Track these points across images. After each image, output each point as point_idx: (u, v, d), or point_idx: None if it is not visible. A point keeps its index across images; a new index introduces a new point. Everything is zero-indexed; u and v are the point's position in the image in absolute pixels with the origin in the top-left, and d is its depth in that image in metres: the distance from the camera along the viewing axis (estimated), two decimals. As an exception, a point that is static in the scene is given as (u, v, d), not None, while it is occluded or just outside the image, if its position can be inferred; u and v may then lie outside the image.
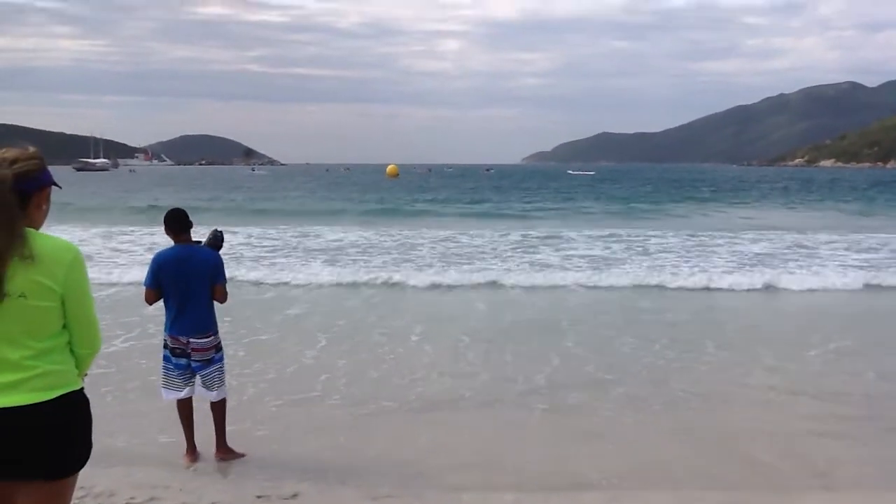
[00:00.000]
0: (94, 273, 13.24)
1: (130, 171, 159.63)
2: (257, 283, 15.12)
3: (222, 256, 6.12)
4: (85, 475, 5.09)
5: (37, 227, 2.81)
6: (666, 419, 7.18)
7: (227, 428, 6.07)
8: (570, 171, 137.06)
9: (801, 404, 7.68)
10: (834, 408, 7.50)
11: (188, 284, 5.83)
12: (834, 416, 7.22)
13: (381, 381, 8.37)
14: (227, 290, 6.06)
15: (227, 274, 6.17)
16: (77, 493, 4.84)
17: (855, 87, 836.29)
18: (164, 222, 5.94)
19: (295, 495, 5.15)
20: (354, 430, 6.75)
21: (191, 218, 6.03)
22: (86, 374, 2.97)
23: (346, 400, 7.65)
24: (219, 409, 6.05)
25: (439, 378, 8.49)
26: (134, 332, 10.25)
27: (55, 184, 2.91)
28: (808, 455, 6.19)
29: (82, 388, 2.88)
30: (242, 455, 6.02)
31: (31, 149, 2.83)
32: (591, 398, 7.83)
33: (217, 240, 6.12)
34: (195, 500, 4.97)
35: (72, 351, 2.85)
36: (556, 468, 5.92)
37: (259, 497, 5.10)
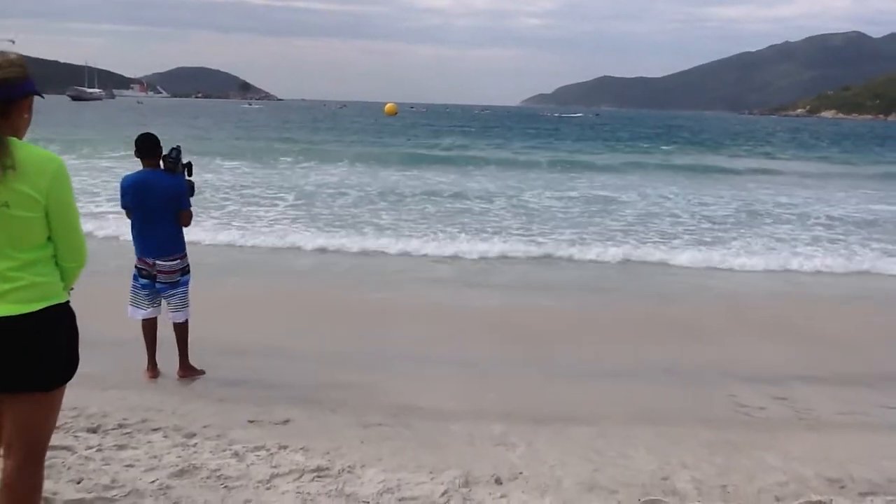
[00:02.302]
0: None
1: (138, 102, 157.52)
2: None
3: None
4: (79, 397, 5.20)
5: (20, 136, 2.74)
6: (654, 359, 7.28)
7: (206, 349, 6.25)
8: (557, 114, 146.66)
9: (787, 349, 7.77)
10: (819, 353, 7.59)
11: (152, 208, 6.01)
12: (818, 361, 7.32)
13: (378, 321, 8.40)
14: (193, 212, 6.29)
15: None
16: (70, 414, 4.93)
17: (861, 37, 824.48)
18: (135, 145, 6.09)
19: (286, 421, 5.21)
20: (345, 366, 6.81)
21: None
22: (72, 289, 2.95)
23: (337, 339, 7.70)
24: (181, 329, 6.22)
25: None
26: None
27: (38, 93, 2.83)
28: (793, 397, 6.30)
29: (68, 302, 2.86)
30: (202, 372, 6.28)
31: (13, 55, 2.75)
32: (581, 340, 7.92)
33: (175, 162, 6.10)
34: (187, 424, 5.02)
35: (58, 264, 2.81)
36: (544, 403, 6.03)
37: (251, 422, 5.15)
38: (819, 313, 9.50)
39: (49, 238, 2.77)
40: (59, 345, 2.78)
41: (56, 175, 2.71)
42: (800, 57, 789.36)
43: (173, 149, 6.13)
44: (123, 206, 6.16)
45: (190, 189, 6.24)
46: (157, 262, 6.09)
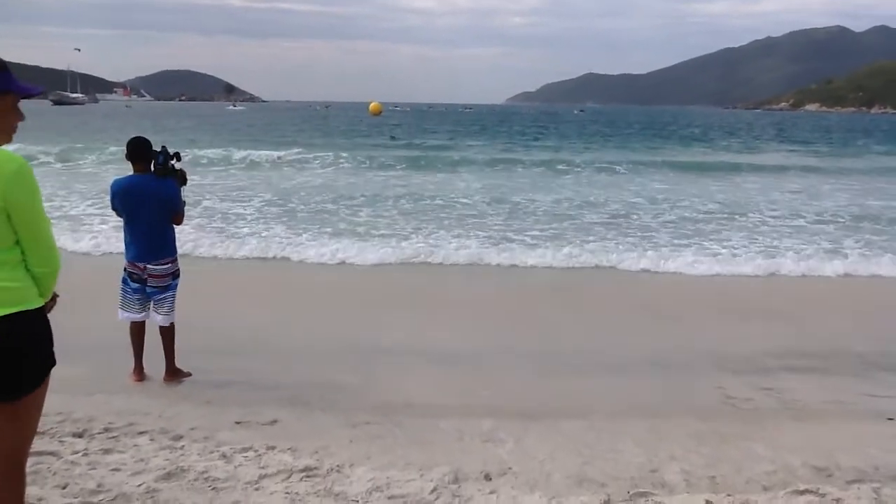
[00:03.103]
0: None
1: (126, 106, 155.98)
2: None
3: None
4: (64, 401, 5.17)
5: (4, 138, 2.65)
6: (642, 352, 7.31)
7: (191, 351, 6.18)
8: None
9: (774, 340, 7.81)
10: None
11: (143, 213, 5.99)
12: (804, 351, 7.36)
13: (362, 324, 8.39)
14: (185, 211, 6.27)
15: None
16: (55, 418, 4.90)
17: (843, 31, 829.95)
18: (126, 149, 6.04)
19: (274, 421, 5.19)
20: (333, 365, 6.79)
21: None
22: (56, 295, 2.87)
23: (324, 338, 7.69)
24: (168, 333, 6.19)
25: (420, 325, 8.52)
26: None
27: (16, 91, 2.71)
28: (779, 387, 6.34)
29: (41, 308, 2.75)
30: (189, 374, 6.25)
31: None
32: (572, 335, 7.93)
33: (164, 166, 6.04)
34: (174, 426, 4.99)
35: (28, 269, 2.70)
36: (533, 398, 6.03)
37: (238, 423, 5.13)
38: (804, 305, 9.56)
39: (16, 242, 2.67)
40: (25, 352, 2.66)
41: (15, 176, 2.59)
42: (783, 51, 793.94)
43: (160, 153, 6.07)
44: (113, 208, 6.17)
45: (182, 179, 6.19)
46: (149, 265, 6.06)
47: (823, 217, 16.83)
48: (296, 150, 29.97)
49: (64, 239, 12.16)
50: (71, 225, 13.74)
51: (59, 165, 25.85)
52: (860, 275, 11.29)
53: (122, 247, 6.26)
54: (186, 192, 6.33)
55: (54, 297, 2.91)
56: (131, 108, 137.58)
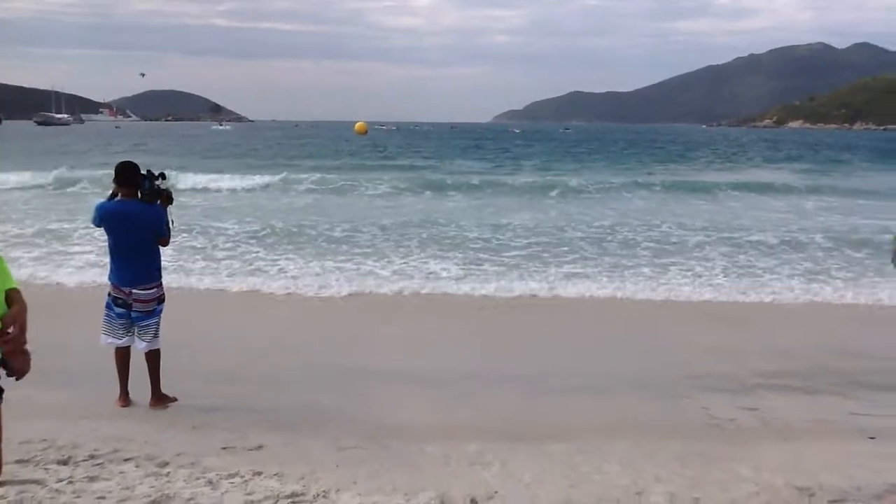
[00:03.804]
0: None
1: (116, 126, 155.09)
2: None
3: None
4: (49, 428, 5.17)
5: None
6: (627, 374, 7.35)
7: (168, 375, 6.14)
8: (516, 130, 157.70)
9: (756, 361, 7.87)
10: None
11: (129, 239, 6.00)
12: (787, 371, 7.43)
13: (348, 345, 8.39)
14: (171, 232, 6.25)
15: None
16: (39, 446, 4.89)
17: (826, 48, 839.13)
18: (115, 173, 6.03)
19: (260, 447, 5.18)
20: (320, 389, 6.79)
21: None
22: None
23: (311, 363, 7.69)
24: (153, 359, 6.17)
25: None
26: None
27: None
28: (763, 407, 6.39)
29: None
30: (175, 400, 6.21)
31: None
32: (553, 358, 7.96)
33: (151, 191, 6.04)
34: (160, 452, 4.97)
35: None
36: (519, 420, 6.05)
37: (224, 448, 5.12)
38: (785, 325, 9.62)
39: None
40: None
41: None
42: (766, 68, 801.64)
43: (145, 177, 6.06)
44: (97, 226, 6.16)
45: (168, 199, 6.15)
46: (134, 290, 6.04)
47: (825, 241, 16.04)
48: (282, 175, 29.45)
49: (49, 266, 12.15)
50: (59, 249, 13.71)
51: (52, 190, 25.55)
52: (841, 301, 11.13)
53: (106, 272, 6.26)
54: (172, 211, 6.29)
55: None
56: (120, 128, 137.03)
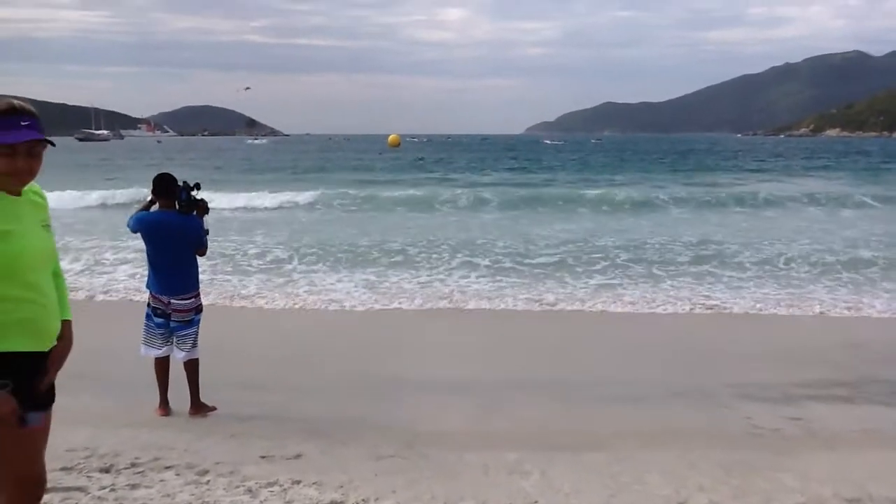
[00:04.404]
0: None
1: (158, 142, 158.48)
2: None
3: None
4: (91, 436, 5.22)
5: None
6: (665, 383, 7.25)
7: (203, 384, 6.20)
8: (547, 141, 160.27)
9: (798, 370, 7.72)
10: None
11: (168, 249, 6.07)
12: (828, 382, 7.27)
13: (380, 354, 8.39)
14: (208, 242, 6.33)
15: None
16: (82, 454, 4.94)
17: (861, 55, 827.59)
18: (153, 184, 6.13)
19: (298, 455, 5.18)
20: (355, 398, 6.79)
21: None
22: None
23: (348, 370, 7.70)
24: (192, 368, 6.22)
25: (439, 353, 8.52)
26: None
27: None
28: (808, 416, 6.25)
29: None
30: (214, 408, 6.25)
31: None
32: (590, 363, 7.88)
33: (188, 202, 6.11)
34: (199, 461, 4.99)
35: None
36: (557, 429, 5.99)
37: (263, 457, 5.13)
38: (826, 335, 9.42)
39: None
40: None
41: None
42: (801, 77, 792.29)
43: (181, 188, 6.15)
44: (133, 231, 6.20)
45: (204, 209, 6.22)
46: (173, 300, 6.11)
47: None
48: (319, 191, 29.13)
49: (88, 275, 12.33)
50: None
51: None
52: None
53: (144, 284, 6.34)
54: (207, 221, 6.36)
55: None
56: (162, 143, 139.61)
